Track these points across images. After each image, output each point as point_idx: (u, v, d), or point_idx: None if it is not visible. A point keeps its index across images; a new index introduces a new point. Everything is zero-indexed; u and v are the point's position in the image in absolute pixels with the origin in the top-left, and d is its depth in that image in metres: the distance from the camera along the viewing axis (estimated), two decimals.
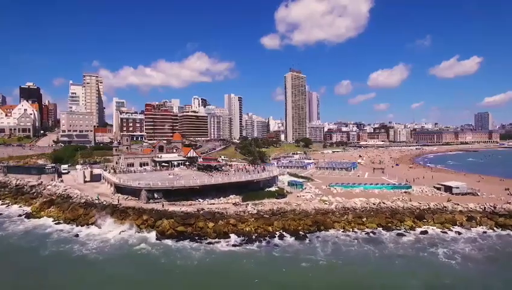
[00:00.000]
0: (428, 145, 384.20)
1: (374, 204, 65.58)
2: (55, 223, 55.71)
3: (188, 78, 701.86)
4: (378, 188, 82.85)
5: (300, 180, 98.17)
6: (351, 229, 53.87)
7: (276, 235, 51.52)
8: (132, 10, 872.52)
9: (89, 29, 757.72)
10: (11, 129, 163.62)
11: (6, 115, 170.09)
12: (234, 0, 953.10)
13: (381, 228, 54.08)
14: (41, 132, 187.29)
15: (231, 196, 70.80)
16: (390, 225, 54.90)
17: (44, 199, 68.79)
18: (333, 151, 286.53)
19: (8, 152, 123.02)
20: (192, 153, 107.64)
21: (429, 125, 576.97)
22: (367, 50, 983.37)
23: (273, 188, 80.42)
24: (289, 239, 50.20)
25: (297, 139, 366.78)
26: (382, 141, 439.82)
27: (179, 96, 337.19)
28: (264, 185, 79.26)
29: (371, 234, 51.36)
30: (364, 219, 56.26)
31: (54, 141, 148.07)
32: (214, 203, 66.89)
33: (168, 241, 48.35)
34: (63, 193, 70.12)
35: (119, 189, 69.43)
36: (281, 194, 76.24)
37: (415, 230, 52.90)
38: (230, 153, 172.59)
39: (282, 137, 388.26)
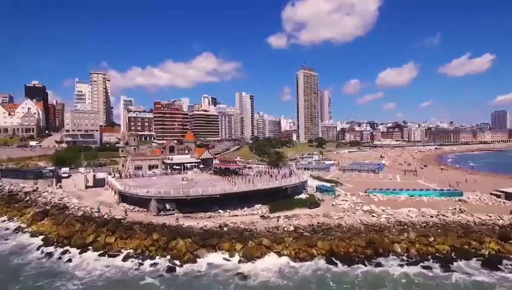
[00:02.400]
0: (446, 145, 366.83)
1: (432, 216, 53.54)
2: (45, 244, 44.84)
3: (195, 78, 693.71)
4: (426, 194, 70.52)
5: (328, 184, 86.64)
6: (416, 253, 41.85)
7: (323, 261, 39.95)
8: (139, 11, 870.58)
9: (98, 30, 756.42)
10: (14, 129, 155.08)
11: (9, 114, 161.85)
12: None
13: (455, 252, 41.87)
14: (46, 131, 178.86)
15: (256, 206, 59.90)
16: (466, 246, 42.72)
17: (38, 209, 58.43)
18: (349, 152, 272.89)
19: (8, 153, 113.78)
20: (206, 154, 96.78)
21: (444, 124, 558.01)
22: (375, 49, 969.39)
23: (303, 196, 69.19)
24: (341, 267, 38.55)
25: (310, 139, 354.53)
26: (396, 141, 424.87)
27: (186, 96, 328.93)
28: (292, 192, 68.06)
29: (450, 265, 38.85)
30: (431, 239, 44.18)
31: (56, 141, 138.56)
32: (236, 215, 56.11)
33: (186, 272, 37.13)
34: (59, 201, 59.61)
35: (125, 197, 58.80)
36: (313, 202, 65.05)
37: (505, 257, 40.42)
38: (244, 153, 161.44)
39: (294, 137, 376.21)
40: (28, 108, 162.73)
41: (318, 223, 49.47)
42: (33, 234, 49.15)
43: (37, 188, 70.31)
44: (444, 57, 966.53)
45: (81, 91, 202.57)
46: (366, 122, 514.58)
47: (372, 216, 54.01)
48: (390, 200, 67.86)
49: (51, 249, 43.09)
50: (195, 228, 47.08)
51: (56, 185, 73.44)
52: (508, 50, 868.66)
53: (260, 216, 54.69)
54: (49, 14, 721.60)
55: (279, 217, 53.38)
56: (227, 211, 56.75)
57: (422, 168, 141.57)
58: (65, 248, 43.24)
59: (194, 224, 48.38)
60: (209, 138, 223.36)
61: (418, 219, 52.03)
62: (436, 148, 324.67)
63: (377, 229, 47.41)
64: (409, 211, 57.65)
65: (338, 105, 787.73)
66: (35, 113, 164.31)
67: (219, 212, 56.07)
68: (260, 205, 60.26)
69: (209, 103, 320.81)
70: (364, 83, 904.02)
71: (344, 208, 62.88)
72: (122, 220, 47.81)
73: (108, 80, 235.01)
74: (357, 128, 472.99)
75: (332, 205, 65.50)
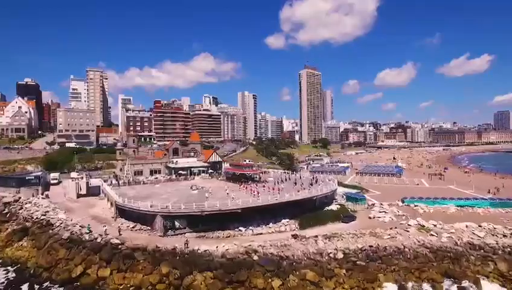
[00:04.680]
0: (452, 146, 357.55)
1: (505, 236, 42.96)
2: (17, 279, 33.94)
3: (194, 79, 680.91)
4: (478, 205, 59.97)
5: (353, 190, 76.48)
6: None
7: None
8: (137, 11, 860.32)
9: (95, 30, 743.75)
10: (3, 129, 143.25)
11: None
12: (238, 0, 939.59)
13: None
14: (40, 132, 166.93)
15: (283, 221, 49.50)
16: None
17: (16, 227, 47.45)
18: (356, 153, 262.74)
19: None
20: (215, 157, 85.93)
21: (448, 124, 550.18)
22: (374, 49, 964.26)
23: (333, 207, 58.69)
24: None
25: (314, 139, 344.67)
26: (400, 141, 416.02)
27: (185, 96, 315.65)
28: (321, 202, 57.36)
29: None
30: None
31: (47, 142, 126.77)
32: (261, 233, 45.87)
33: None
34: (43, 216, 48.54)
35: (123, 211, 47.91)
36: (347, 215, 54.95)
37: None
38: (251, 155, 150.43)
39: (297, 137, 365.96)
40: (19, 106, 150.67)
41: (370, 246, 38.77)
42: (5, 262, 38.18)
43: (19, 198, 59.17)
44: (443, 58, 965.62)
45: (77, 89, 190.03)
46: (369, 122, 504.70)
47: (431, 235, 43.43)
48: (438, 211, 57.53)
49: (24, 287, 32.14)
50: (215, 254, 36.37)
51: (42, 193, 62.41)
52: (506, 51, 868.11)
53: (292, 235, 43.98)
54: (46, 14, 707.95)
55: (316, 237, 42.73)
56: (250, 228, 46.27)
57: (444, 171, 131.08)
58: (44, 285, 32.39)
59: (212, 249, 37.64)
60: (211, 139, 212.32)
61: (492, 239, 41.33)
62: (443, 149, 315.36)
63: (450, 255, 36.71)
64: (467, 226, 47.46)
65: (337, 105, 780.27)
66: (26, 112, 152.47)
67: (240, 231, 45.51)
68: (287, 220, 49.90)
69: (210, 103, 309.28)
70: (363, 83, 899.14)
71: (385, 222, 52.86)
72: (120, 245, 36.82)
73: (106, 78, 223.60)
74: (360, 129, 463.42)
75: (369, 217, 55.51)
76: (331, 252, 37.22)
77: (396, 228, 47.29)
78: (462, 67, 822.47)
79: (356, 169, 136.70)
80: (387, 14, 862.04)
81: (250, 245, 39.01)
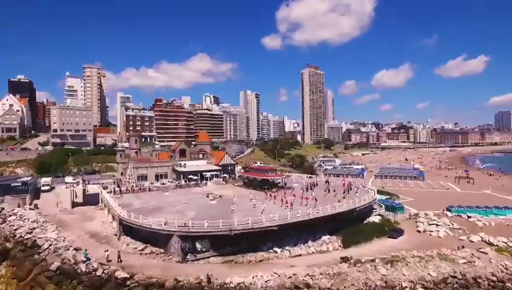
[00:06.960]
0: (458, 146, 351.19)
1: None
2: None
3: (191, 79, 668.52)
4: None
5: (383, 197, 67.88)
6: None
7: None
8: (134, 11, 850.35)
9: (91, 30, 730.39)
10: None
11: None
12: (234, 0, 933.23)
13: None
14: (33, 132, 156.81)
15: (324, 238, 40.90)
16: None
17: None
18: (363, 154, 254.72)
19: None
20: (227, 159, 76.73)
21: (449, 125, 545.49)
22: (371, 50, 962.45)
23: (374, 218, 49.88)
24: None
25: (318, 140, 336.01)
26: (403, 142, 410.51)
27: (184, 96, 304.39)
28: (359, 213, 48.63)
29: None
30: None
31: (39, 143, 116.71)
32: (300, 255, 37.14)
33: None
34: (28, 235, 39.06)
35: (128, 228, 38.62)
36: (394, 229, 46.44)
37: None
38: (259, 157, 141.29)
39: (299, 138, 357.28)
40: (10, 104, 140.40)
41: (453, 277, 29.82)
42: None
43: (2, 209, 49.70)
44: (440, 58, 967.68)
45: (73, 86, 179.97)
46: (371, 122, 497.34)
47: None
48: (500, 225, 48.63)
49: None
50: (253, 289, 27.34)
51: (30, 203, 52.97)
52: (502, 52, 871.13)
53: (341, 258, 34.81)
54: (42, 15, 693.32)
55: (373, 260, 33.59)
56: (285, 248, 37.36)
57: (466, 173, 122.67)
58: None
59: (247, 280, 28.69)
60: (214, 140, 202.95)
61: None
62: (450, 150, 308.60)
63: None
64: None
65: (336, 106, 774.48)
66: (18, 111, 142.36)
67: (274, 253, 36.54)
68: (328, 237, 41.22)
69: (211, 102, 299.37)
70: (360, 84, 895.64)
71: (440, 237, 44.49)
72: (128, 280, 27.58)
73: (104, 76, 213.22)
74: (362, 129, 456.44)
75: (418, 231, 46.91)
76: (406, 287, 28.27)
77: (463, 247, 38.45)
78: (459, 68, 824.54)
79: (371, 171, 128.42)
80: (384, 14, 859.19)
81: (295, 275, 30.02)
